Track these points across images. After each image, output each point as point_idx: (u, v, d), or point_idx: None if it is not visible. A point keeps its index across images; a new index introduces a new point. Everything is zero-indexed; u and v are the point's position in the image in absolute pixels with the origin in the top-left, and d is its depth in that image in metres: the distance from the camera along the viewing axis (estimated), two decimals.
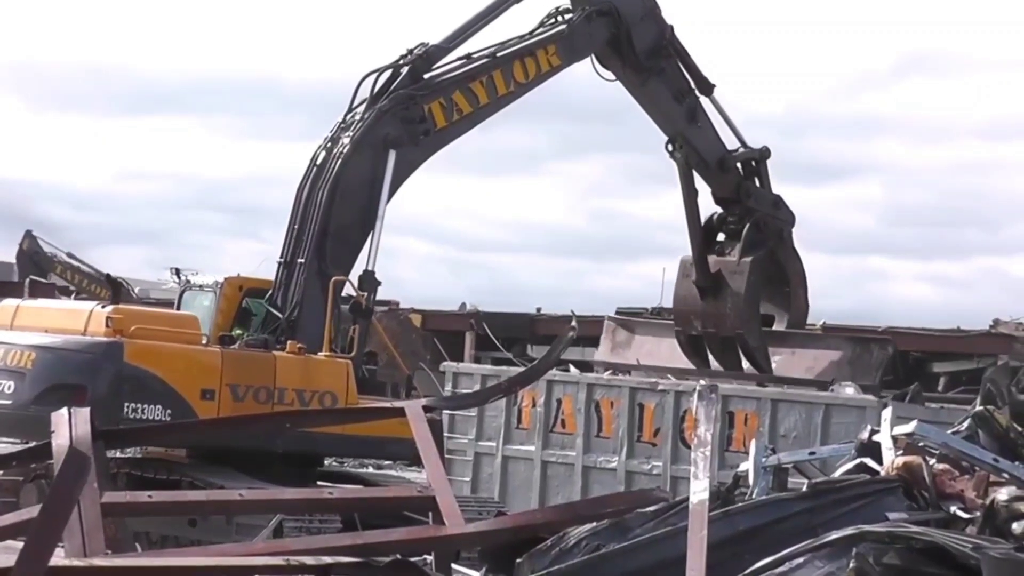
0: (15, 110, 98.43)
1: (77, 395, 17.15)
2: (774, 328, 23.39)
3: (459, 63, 20.94)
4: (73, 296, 37.47)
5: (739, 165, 23.12)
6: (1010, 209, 79.29)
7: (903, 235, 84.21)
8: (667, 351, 23.52)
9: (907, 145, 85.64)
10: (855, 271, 75.38)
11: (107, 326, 18.18)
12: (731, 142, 23.26)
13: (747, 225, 22.76)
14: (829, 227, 74.40)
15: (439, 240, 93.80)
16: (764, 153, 23.28)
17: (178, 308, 20.77)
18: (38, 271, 39.60)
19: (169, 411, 17.97)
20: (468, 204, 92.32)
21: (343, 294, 19.86)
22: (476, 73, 20.87)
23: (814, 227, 64.83)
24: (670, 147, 22.52)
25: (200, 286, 20.78)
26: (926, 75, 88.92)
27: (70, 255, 39.30)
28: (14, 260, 42.70)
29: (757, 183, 23.24)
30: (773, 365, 22.73)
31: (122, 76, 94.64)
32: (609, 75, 22.22)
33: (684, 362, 23.48)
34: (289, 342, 19.14)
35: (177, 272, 21.20)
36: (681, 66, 22.48)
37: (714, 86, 22.82)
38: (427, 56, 20.58)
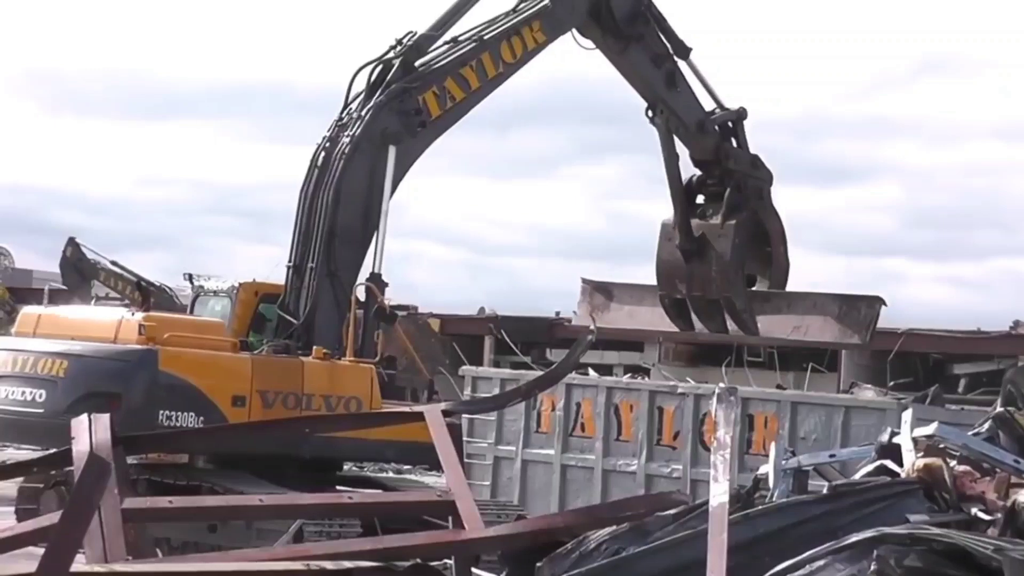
0: (31, 115, 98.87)
1: (111, 403, 17.13)
2: (756, 288, 23.27)
3: (447, 48, 20.94)
4: (93, 302, 37.46)
5: (717, 127, 23.19)
6: None
7: (920, 237, 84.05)
8: (647, 314, 23.41)
9: (923, 147, 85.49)
10: (873, 273, 75.19)
11: (140, 334, 18.18)
12: (708, 104, 23.28)
13: (728, 188, 22.83)
14: (846, 229, 74.36)
15: (457, 244, 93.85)
16: (741, 114, 23.34)
17: (191, 313, 20.81)
18: (82, 279, 39.26)
19: (202, 418, 18.00)
20: (486, 207, 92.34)
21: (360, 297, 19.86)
22: (466, 58, 20.89)
23: (832, 229, 64.82)
24: (650, 113, 22.58)
25: (213, 291, 20.80)
26: (942, 77, 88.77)
27: (114, 263, 38.95)
28: (57, 268, 42.44)
29: (735, 144, 23.28)
30: (759, 327, 22.66)
31: (137, 81, 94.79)
32: (588, 44, 22.20)
33: (666, 325, 23.40)
34: (315, 348, 19.16)
35: (191, 278, 21.22)
36: (659, 31, 22.52)
37: (690, 49, 22.88)
38: (416, 45, 20.61)
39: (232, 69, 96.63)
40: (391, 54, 20.55)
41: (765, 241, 23.37)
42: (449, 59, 20.82)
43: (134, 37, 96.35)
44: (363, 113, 20.16)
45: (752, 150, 23.43)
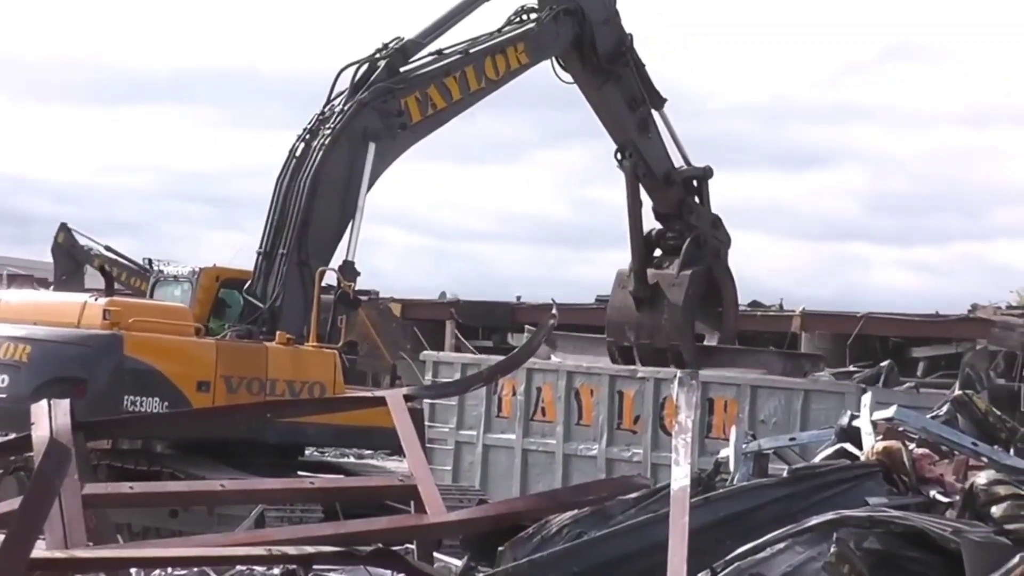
0: None
1: (76, 388, 17.03)
2: (704, 344, 23.56)
3: (432, 58, 21.28)
4: (52, 288, 37.22)
5: (682, 182, 23.54)
6: (990, 195, 79.57)
7: (884, 222, 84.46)
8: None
9: (888, 132, 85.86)
10: (836, 258, 75.58)
11: (105, 319, 18.09)
12: (677, 160, 23.66)
13: (688, 240, 23.15)
14: (810, 214, 74.66)
15: (421, 230, 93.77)
16: (707, 172, 23.69)
17: (150, 298, 20.74)
18: (74, 265, 38.48)
19: (166, 403, 17.93)
20: (450, 193, 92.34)
21: (324, 284, 19.87)
22: (450, 69, 21.21)
23: (795, 214, 65.05)
24: (619, 155, 22.92)
25: (173, 276, 20.73)
26: (907, 62, 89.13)
27: (108, 248, 38.22)
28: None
29: (698, 201, 23.62)
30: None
31: (100, 67, 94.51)
32: (568, 78, 22.68)
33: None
34: (278, 333, 19.15)
35: (150, 263, 21.15)
36: (637, 76, 22.94)
37: (665, 100, 23.35)
38: (403, 50, 20.90)
39: (196, 54, 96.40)
40: (377, 56, 20.80)
41: (717, 301, 23.69)
42: (434, 67, 21.14)
43: (96, 22, 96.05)
44: (346, 108, 20.36)
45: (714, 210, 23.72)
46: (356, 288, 20.21)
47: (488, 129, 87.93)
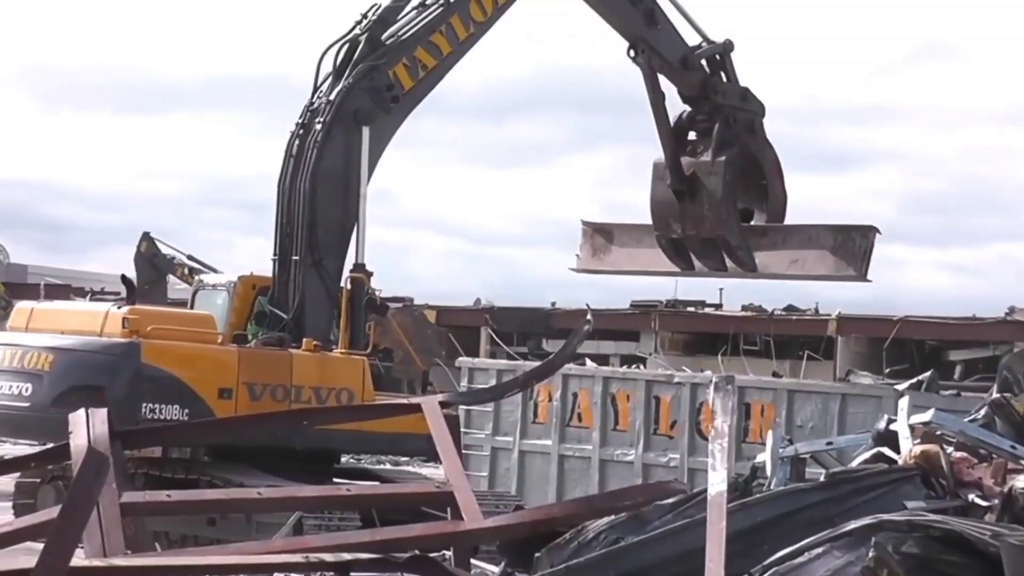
0: (29, 110, 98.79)
1: (96, 396, 17.11)
2: (754, 222, 22.80)
3: (414, 15, 20.49)
4: (89, 298, 37.31)
5: (704, 62, 22.62)
6: None
7: (919, 223, 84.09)
8: (646, 256, 23.11)
9: (922, 132, 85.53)
10: (872, 259, 75.10)
11: (123, 327, 18.20)
12: (694, 39, 22.64)
13: (717, 123, 22.33)
14: (845, 215, 74.16)
15: (453, 234, 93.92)
16: (728, 46, 22.75)
17: (191, 308, 20.79)
18: (157, 274, 38.41)
19: (187, 411, 17.98)
20: (481, 198, 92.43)
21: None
22: (435, 24, 20.37)
23: (830, 215, 64.53)
24: (631, 52, 22.01)
25: (213, 285, 20.82)
26: (941, 62, 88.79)
27: (191, 257, 38.18)
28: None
29: (724, 78, 22.68)
30: (757, 262, 22.41)
31: (135, 75, 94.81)
32: None
33: (666, 265, 23.14)
34: (305, 340, 19.14)
35: (190, 259, 21.15)
36: None
37: None
38: (381, 18, 20.22)
39: (230, 62, 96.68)
40: (357, 30, 20.19)
41: (760, 175, 22.80)
42: (417, 27, 20.40)
43: (131, 30, 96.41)
44: (332, 97, 19.83)
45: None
46: (384, 294, 20.05)
47: (518, 133, 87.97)
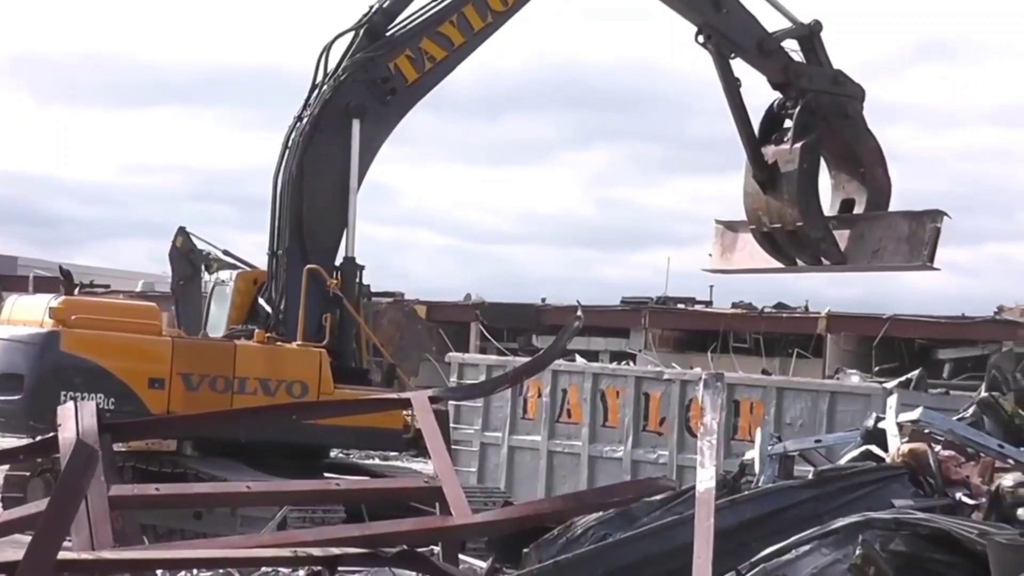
0: (21, 103, 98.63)
1: (16, 384, 17.60)
2: (855, 212, 21.89)
3: (427, 4, 19.83)
4: (77, 291, 37.22)
5: (796, 45, 21.69)
6: (1023, 196, 79.17)
7: None
8: (764, 254, 22.23)
9: (919, 132, 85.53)
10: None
11: (49, 316, 18.30)
12: (774, 23, 21.82)
13: (798, 108, 21.44)
14: None
15: (447, 231, 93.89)
16: (814, 28, 21.72)
17: (208, 304, 20.87)
18: (191, 269, 38.42)
19: (113, 400, 17.92)
20: (476, 195, 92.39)
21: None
22: (444, 14, 19.72)
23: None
24: (699, 38, 21.28)
25: (223, 281, 20.90)
26: (937, 60, 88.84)
27: (226, 252, 38.16)
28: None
29: (818, 60, 21.74)
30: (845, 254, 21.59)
31: (128, 68, 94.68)
32: None
33: (775, 262, 22.35)
34: (256, 331, 18.98)
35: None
36: None
37: None
38: (387, 11, 19.67)
39: (223, 54, 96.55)
40: (362, 23, 19.64)
41: (858, 162, 21.91)
42: (423, 18, 19.78)
43: (122, 23, 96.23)
44: (324, 91, 19.44)
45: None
46: (363, 283, 19.77)
47: (513, 130, 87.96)
